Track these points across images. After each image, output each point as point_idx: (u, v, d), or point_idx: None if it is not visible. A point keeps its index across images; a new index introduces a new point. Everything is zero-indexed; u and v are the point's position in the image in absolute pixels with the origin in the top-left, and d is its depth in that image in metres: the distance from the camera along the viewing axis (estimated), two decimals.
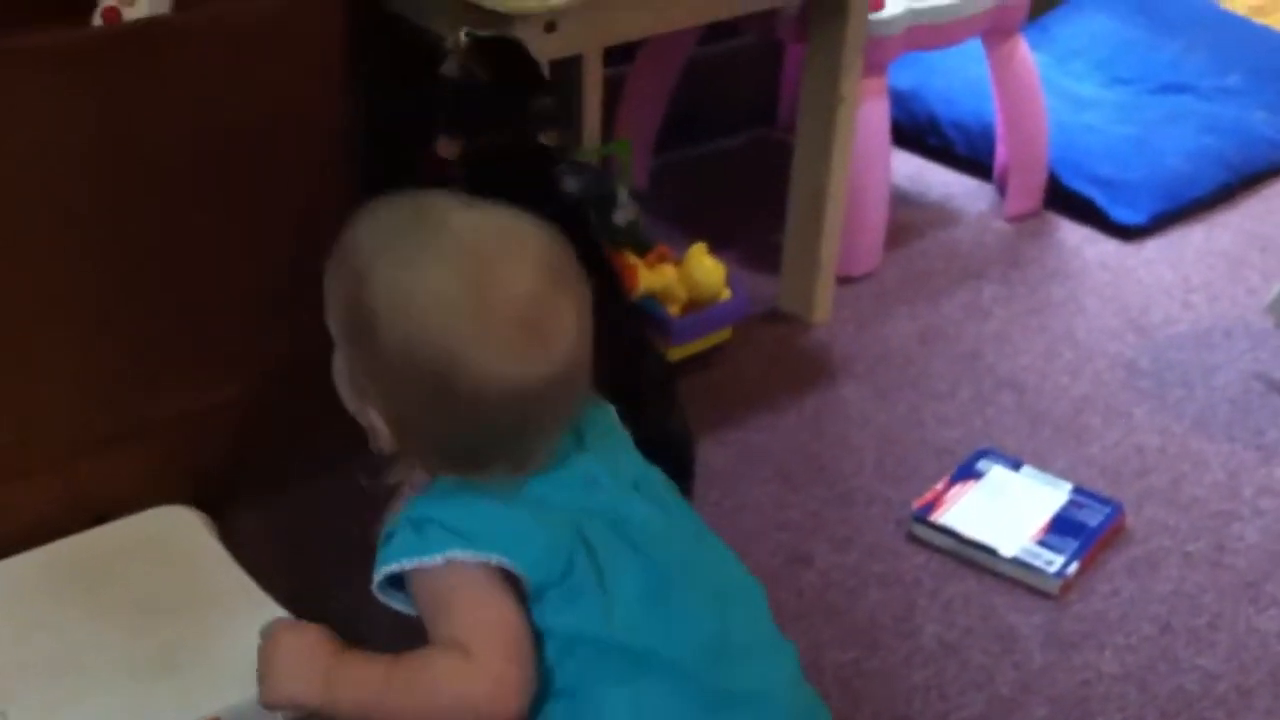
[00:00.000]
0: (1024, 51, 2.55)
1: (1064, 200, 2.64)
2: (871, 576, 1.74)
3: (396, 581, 1.05)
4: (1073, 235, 2.60)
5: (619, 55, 2.45)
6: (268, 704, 1.10)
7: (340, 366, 1.08)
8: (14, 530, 1.56)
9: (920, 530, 1.80)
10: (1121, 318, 2.34)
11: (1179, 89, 2.94)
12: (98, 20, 1.54)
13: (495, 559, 1.01)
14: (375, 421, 1.06)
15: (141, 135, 1.53)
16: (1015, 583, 1.74)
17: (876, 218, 2.39)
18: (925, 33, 2.36)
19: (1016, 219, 2.64)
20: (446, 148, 1.40)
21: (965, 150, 2.80)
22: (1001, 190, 2.70)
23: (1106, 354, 2.23)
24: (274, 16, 1.57)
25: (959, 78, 2.82)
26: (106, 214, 1.54)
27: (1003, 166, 2.70)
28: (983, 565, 1.76)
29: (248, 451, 1.72)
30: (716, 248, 2.11)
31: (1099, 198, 2.61)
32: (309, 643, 1.09)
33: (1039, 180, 2.64)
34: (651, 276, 2.01)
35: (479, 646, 1.01)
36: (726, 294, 2.09)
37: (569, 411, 1.06)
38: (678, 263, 2.07)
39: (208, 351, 1.66)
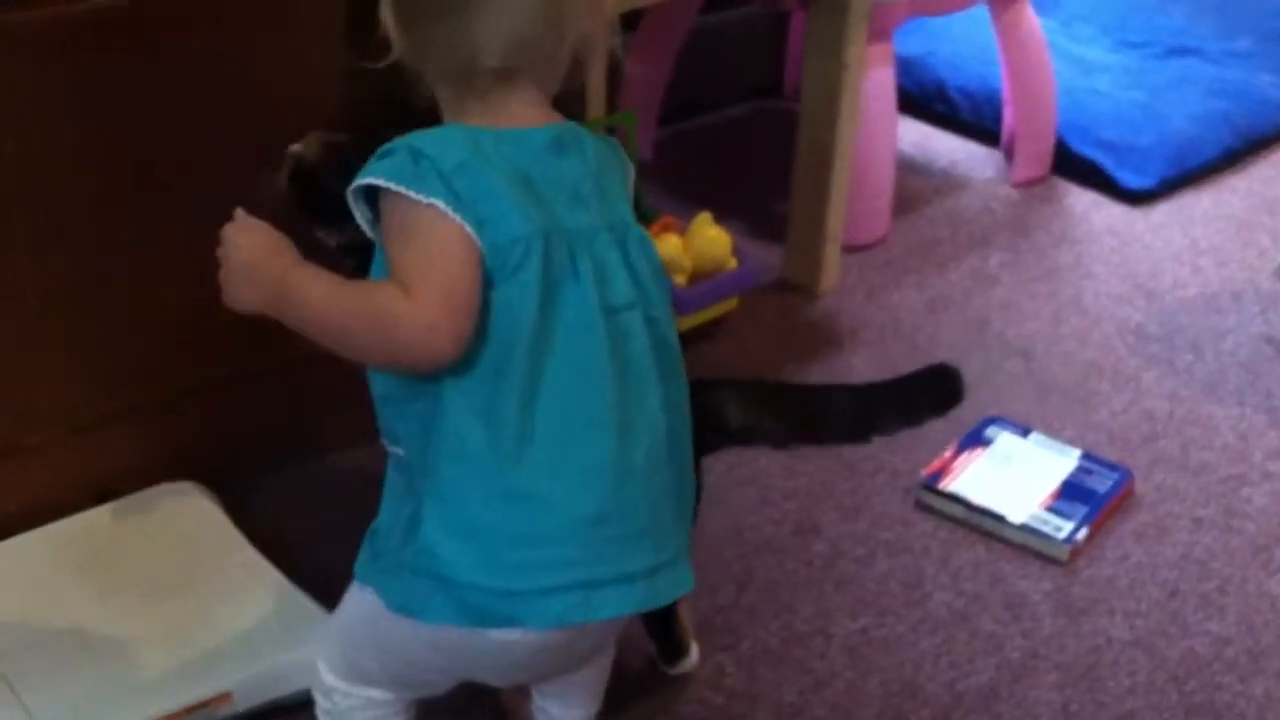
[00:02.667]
0: (1030, 16, 2.54)
1: (1071, 165, 2.63)
2: (880, 545, 1.74)
3: (373, 196, 1.09)
4: (1080, 201, 2.58)
5: (622, 24, 2.43)
6: (229, 306, 1.12)
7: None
8: (18, 508, 1.56)
9: (928, 498, 1.80)
10: (1130, 283, 2.33)
11: (1187, 52, 2.92)
12: None
13: (470, 229, 1.05)
14: (385, 18, 1.12)
15: (139, 111, 1.52)
16: (1024, 550, 1.74)
17: (883, 186, 2.38)
18: None
19: (1024, 185, 2.62)
20: (327, 238, 1.35)
21: (971, 117, 2.78)
22: (1008, 156, 2.68)
23: (1115, 319, 2.22)
24: None
25: (965, 43, 2.80)
26: (104, 191, 1.53)
27: (1009, 132, 2.68)
28: (991, 532, 1.76)
29: (254, 427, 1.72)
30: (722, 218, 2.10)
31: (1107, 163, 2.60)
32: (265, 245, 1.11)
33: (1046, 146, 2.62)
34: (656, 246, 2.00)
35: (422, 290, 1.04)
36: (733, 263, 2.08)
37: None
38: (683, 233, 2.06)
39: (210, 328, 1.65)
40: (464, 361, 1.06)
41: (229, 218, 1.14)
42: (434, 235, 1.05)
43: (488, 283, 1.06)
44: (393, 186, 1.05)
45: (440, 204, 1.04)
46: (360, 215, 1.11)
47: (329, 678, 1.25)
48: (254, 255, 1.11)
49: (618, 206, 1.16)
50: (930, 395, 1.50)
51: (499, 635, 1.10)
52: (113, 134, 1.51)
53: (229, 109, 1.57)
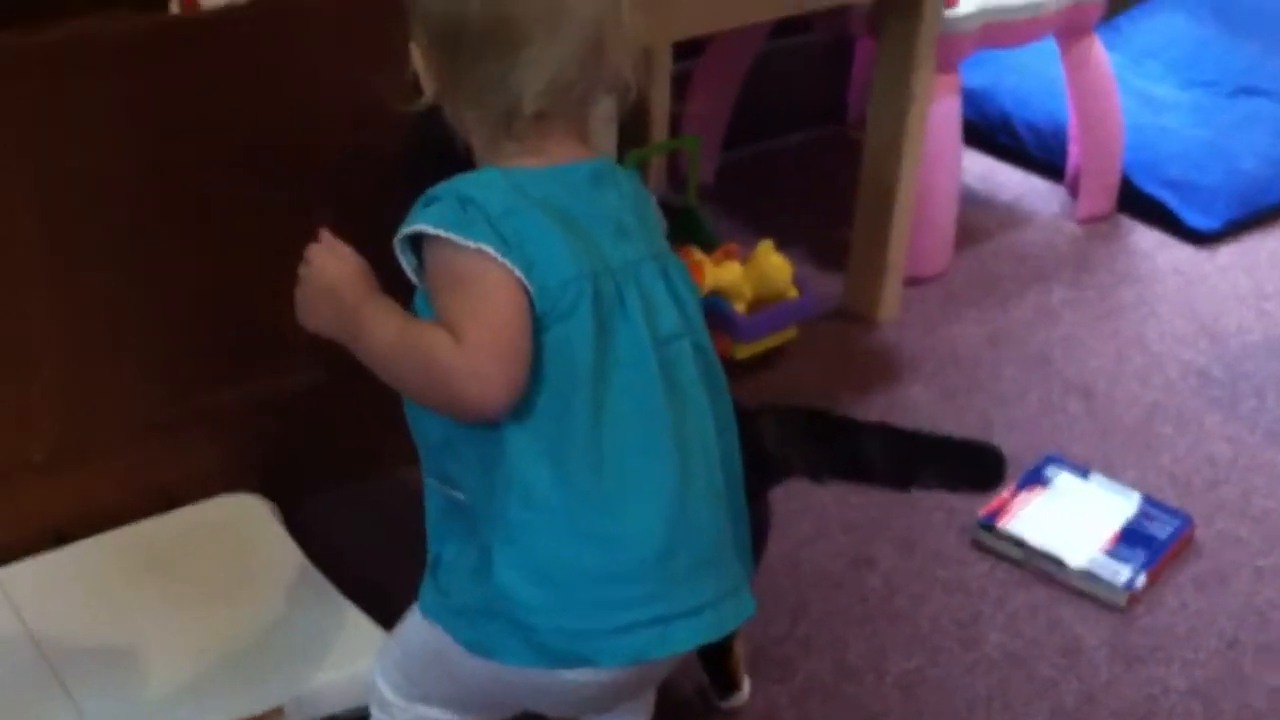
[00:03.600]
0: (1099, 51, 2.52)
1: (1137, 203, 2.61)
2: (935, 583, 1.72)
3: (416, 243, 1.08)
4: (1145, 239, 2.56)
5: (687, 50, 2.44)
6: (301, 325, 1.13)
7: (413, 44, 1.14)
8: (82, 516, 1.57)
9: (986, 538, 1.78)
10: (1194, 324, 2.30)
11: (1255, 93, 2.89)
12: (175, 7, 1.54)
13: (519, 272, 1.04)
14: (416, 60, 1.12)
15: (213, 122, 1.53)
16: (1082, 594, 1.71)
17: (946, 218, 2.37)
18: (999, 30, 2.33)
19: (1088, 221, 2.60)
20: None
21: (1037, 150, 2.76)
22: (1073, 192, 2.66)
23: (1178, 361, 2.20)
24: (354, 3, 1.56)
25: (1032, 77, 2.78)
26: (171, 203, 1.54)
27: (1075, 168, 2.66)
28: (1049, 575, 1.74)
29: (315, 441, 1.73)
30: (782, 245, 2.09)
31: (1172, 202, 2.57)
32: (348, 273, 1.11)
33: (1112, 182, 2.60)
34: (718, 273, 1.99)
35: (473, 337, 1.03)
36: (793, 292, 2.07)
37: (596, 60, 1.08)
38: (745, 260, 2.05)
39: (274, 340, 1.66)
40: (524, 406, 1.05)
41: (297, 233, 1.14)
42: (484, 281, 1.04)
43: (540, 326, 1.06)
44: (441, 233, 1.04)
45: (489, 248, 1.03)
46: (406, 263, 1.10)
47: (386, 693, 1.25)
48: (335, 280, 1.11)
49: (657, 236, 1.16)
50: (971, 470, 1.49)
51: (572, 675, 1.09)
52: (177, 146, 1.52)
53: (308, 119, 1.58)
